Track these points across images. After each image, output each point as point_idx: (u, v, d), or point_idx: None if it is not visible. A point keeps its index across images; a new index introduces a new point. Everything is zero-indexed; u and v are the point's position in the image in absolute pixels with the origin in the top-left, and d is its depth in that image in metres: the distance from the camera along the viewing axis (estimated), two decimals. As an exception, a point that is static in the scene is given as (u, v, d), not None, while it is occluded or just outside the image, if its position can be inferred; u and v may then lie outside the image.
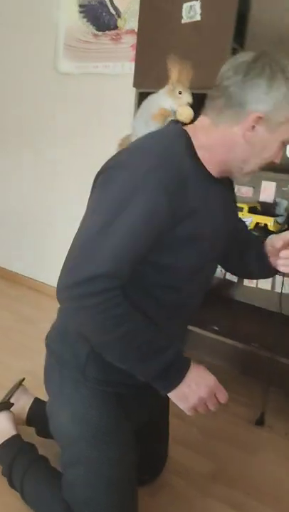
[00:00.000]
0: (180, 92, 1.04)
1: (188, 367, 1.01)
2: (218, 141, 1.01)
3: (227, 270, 1.42)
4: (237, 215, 1.32)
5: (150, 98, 1.22)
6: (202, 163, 1.02)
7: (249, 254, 1.25)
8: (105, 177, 0.98)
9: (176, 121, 1.07)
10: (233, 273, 1.45)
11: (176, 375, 0.99)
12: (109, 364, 1.02)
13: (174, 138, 1.00)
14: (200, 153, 1.01)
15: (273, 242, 1.16)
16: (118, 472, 1.14)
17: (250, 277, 1.35)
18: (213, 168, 1.03)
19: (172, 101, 1.14)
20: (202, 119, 1.04)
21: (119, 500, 1.13)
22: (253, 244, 1.25)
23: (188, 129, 1.04)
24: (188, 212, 0.97)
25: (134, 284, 1.00)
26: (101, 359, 1.05)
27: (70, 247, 0.96)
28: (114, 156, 1.02)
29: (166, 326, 1.09)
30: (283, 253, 1.11)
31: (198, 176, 1.00)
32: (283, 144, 1.02)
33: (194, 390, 1.00)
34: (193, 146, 1.01)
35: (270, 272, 1.22)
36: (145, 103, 1.24)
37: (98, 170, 1.03)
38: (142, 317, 0.98)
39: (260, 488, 1.48)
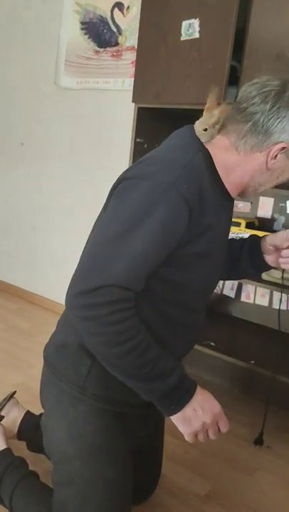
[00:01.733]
0: (205, 129, 1.03)
1: (195, 390, 0.98)
2: (237, 165, 1.02)
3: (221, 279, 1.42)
4: None
5: None
6: (221, 180, 1.02)
7: (240, 253, 1.25)
8: (126, 186, 0.97)
9: (192, 131, 1.05)
10: (224, 278, 1.45)
11: (181, 397, 0.97)
12: (111, 381, 1.00)
13: (196, 153, 0.99)
14: (219, 171, 1.02)
15: (275, 241, 1.18)
16: (113, 494, 1.10)
17: (239, 277, 1.38)
18: (229, 187, 1.04)
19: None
20: (221, 139, 1.03)
21: None
22: (239, 243, 1.27)
23: (207, 145, 1.03)
24: (204, 227, 0.97)
25: (144, 301, 0.99)
26: (102, 375, 1.03)
27: (85, 253, 0.95)
28: (134, 165, 1.02)
29: (174, 346, 1.08)
30: (285, 252, 1.15)
31: (215, 192, 1.00)
32: None
33: (199, 415, 0.97)
34: (213, 163, 1.01)
35: (264, 268, 1.24)
36: None
37: (117, 178, 1.02)
38: (151, 336, 0.96)
39: (256, 509, 1.45)
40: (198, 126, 1.04)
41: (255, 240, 1.25)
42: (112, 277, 0.88)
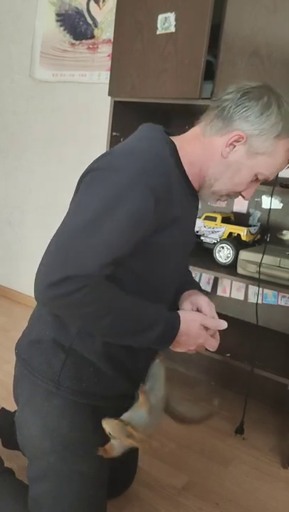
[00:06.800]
0: None
1: (179, 323, 1.03)
2: (200, 151, 1.04)
3: None
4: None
5: None
6: (186, 174, 1.04)
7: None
8: (94, 176, 0.97)
9: (158, 126, 1.08)
10: None
11: (170, 335, 1.03)
12: (85, 374, 1.01)
13: (163, 145, 1.01)
14: (184, 164, 1.03)
15: (200, 305, 1.15)
16: (88, 488, 1.11)
17: None
18: (192, 179, 1.06)
19: None
20: (194, 129, 1.07)
21: None
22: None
23: (176, 139, 1.05)
24: (170, 219, 0.98)
25: None
26: (76, 369, 1.03)
27: (53, 243, 0.93)
28: (102, 156, 1.01)
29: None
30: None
31: (181, 184, 1.02)
32: (256, 180, 1.05)
33: (191, 339, 1.06)
34: (178, 156, 1.03)
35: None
36: None
37: (86, 169, 1.02)
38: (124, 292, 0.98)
39: (231, 499, 1.47)
40: None
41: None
42: (81, 267, 0.88)
